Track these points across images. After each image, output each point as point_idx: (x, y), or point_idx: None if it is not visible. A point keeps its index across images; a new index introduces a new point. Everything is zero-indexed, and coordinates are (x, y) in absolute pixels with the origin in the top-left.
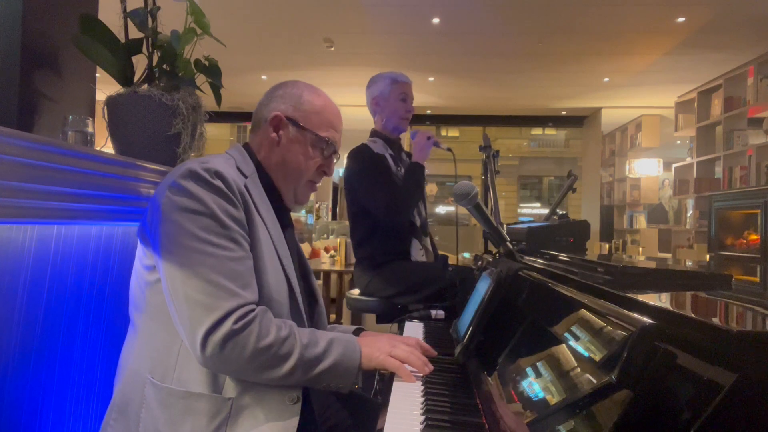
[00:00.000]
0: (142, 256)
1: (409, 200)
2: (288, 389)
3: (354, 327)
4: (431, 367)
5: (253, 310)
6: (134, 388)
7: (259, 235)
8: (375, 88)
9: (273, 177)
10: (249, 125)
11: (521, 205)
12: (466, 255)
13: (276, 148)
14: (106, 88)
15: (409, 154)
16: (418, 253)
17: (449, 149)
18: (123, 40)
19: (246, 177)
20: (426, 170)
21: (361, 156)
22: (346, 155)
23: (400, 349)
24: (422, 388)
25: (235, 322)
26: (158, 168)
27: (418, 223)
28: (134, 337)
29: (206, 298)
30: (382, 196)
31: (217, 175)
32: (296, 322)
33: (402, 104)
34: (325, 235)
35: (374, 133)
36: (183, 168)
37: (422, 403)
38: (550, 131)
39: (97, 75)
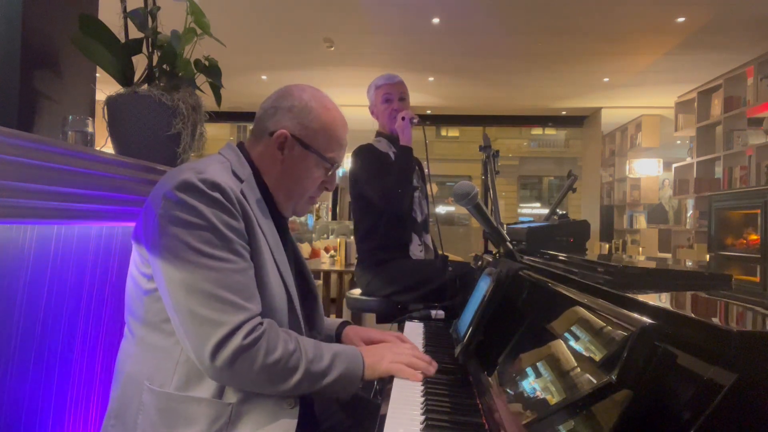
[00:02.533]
0: (138, 263)
1: (398, 182)
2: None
3: (339, 321)
4: (435, 365)
5: (260, 324)
6: (132, 394)
7: (258, 244)
8: (367, 96)
9: (273, 191)
10: (249, 125)
11: (521, 205)
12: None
13: (278, 165)
14: (106, 88)
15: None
16: (416, 248)
17: (419, 122)
18: (123, 40)
19: (242, 181)
20: (427, 170)
21: (364, 154)
22: (349, 155)
23: (402, 354)
24: (422, 388)
25: (245, 336)
26: (158, 168)
27: (419, 219)
28: (131, 343)
29: (212, 313)
30: (380, 184)
31: (215, 186)
32: (294, 329)
33: (386, 106)
34: (325, 235)
35: (379, 134)
36: (178, 178)
37: (422, 403)
38: (550, 131)
39: (97, 75)
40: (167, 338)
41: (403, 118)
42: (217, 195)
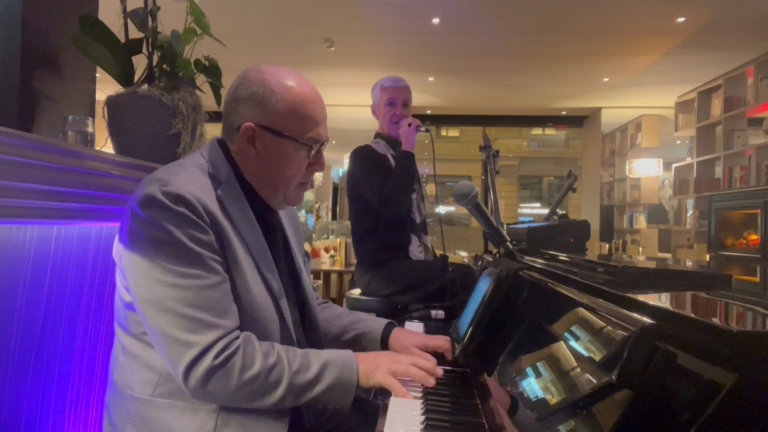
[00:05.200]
0: (120, 275)
1: (400, 187)
2: None
3: (386, 321)
4: (439, 372)
5: (235, 339)
6: (120, 403)
7: (236, 254)
8: (372, 95)
9: (256, 187)
10: None
11: (521, 205)
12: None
13: (255, 159)
14: (106, 88)
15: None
16: (416, 250)
17: (427, 130)
18: (123, 40)
19: (221, 183)
20: (426, 170)
21: (362, 155)
22: (348, 155)
23: (400, 364)
24: (422, 388)
25: (216, 356)
26: (158, 168)
27: (417, 220)
28: (118, 351)
29: (182, 333)
30: (379, 186)
31: (179, 199)
32: (284, 337)
33: (389, 109)
34: (325, 235)
35: (378, 135)
36: (143, 192)
37: (422, 403)
38: (550, 131)
39: (97, 75)
40: (149, 349)
41: (409, 125)
42: (181, 209)
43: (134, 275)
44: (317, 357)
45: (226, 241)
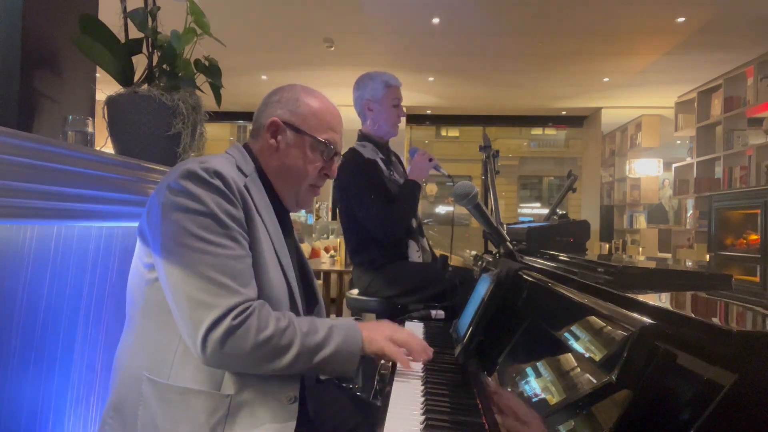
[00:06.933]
0: (141, 254)
1: (403, 217)
2: (285, 388)
3: (351, 319)
4: (430, 353)
5: (251, 302)
6: (131, 385)
7: (258, 235)
8: (366, 90)
9: (274, 183)
10: (249, 125)
11: (521, 205)
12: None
13: (275, 153)
14: (106, 88)
15: (397, 155)
16: (415, 254)
17: (449, 176)
18: (123, 40)
19: (246, 176)
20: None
21: (352, 163)
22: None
23: (400, 333)
24: (422, 388)
25: (234, 318)
26: (158, 168)
27: (414, 224)
28: (131, 334)
29: (207, 296)
30: (377, 212)
31: (216, 174)
32: None
33: (395, 110)
34: (325, 235)
35: (363, 137)
36: (182, 168)
37: (422, 403)
38: (550, 131)
39: (97, 75)
40: (166, 329)
41: (430, 160)
42: (217, 182)
43: (165, 243)
44: (323, 322)
45: (250, 220)
